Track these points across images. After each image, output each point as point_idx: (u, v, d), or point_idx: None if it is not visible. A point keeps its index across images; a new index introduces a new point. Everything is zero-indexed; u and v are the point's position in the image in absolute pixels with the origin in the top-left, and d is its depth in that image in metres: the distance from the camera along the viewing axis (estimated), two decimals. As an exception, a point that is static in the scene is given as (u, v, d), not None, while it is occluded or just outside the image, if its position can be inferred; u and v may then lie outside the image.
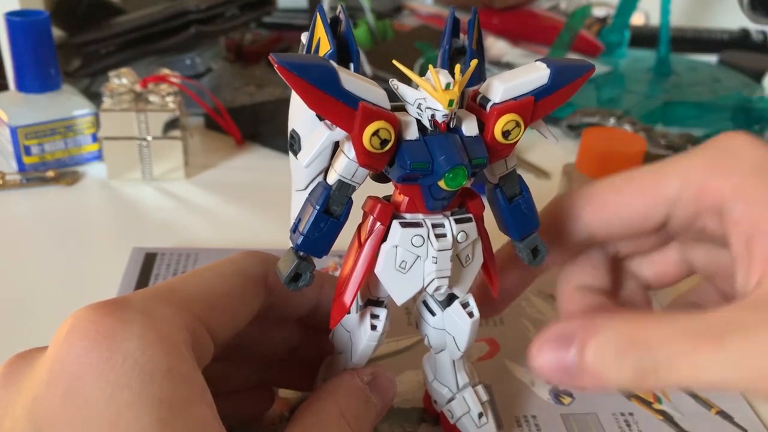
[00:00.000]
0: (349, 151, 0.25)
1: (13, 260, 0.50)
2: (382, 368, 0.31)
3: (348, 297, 0.27)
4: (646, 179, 0.29)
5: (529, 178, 0.65)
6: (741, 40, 0.98)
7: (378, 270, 0.27)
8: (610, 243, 0.32)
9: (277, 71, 0.23)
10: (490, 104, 0.26)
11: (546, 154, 0.67)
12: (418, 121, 0.25)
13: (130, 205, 0.58)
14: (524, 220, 0.28)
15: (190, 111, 0.66)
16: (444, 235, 0.26)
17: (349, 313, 0.29)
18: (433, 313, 0.30)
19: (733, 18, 0.86)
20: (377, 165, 0.25)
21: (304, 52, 0.28)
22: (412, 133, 0.25)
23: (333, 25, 0.27)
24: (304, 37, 0.29)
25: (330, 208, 0.26)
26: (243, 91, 0.78)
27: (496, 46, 0.82)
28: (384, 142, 0.24)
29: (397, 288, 0.27)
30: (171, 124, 0.59)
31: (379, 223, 0.27)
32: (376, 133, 0.24)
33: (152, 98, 0.58)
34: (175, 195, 0.59)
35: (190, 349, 0.24)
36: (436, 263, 0.26)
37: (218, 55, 0.80)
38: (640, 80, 0.84)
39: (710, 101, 0.77)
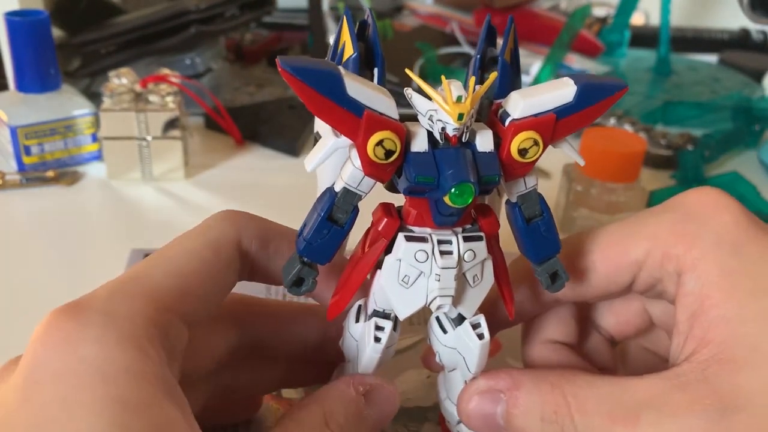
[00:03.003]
0: (355, 159, 0.24)
1: (12, 260, 0.50)
2: (385, 379, 0.29)
3: (343, 301, 0.27)
4: (614, 246, 0.29)
5: (529, 178, 0.65)
6: (741, 40, 0.98)
7: (382, 282, 0.26)
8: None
9: (281, 75, 0.22)
10: (508, 119, 0.25)
11: (546, 154, 0.67)
12: (430, 133, 0.24)
13: (129, 205, 0.58)
14: (543, 243, 0.27)
15: (190, 111, 0.66)
16: (450, 253, 0.25)
17: (357, 321, 0.28)
18: (444, 330, 0.29)
19: (733, 18, 0.86)
20: (382, 176, 0.24)
21: (330, 55, 0.28)
22: (420, 145, 0.24)
23: (360, 29, 0.26)
24: (331, 40, 0.29)
25: (334, 215, 0.25)
26: (243, 91, 0.78)
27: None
28: (389, 153, 0.23)
29: (400, 302, 0.26)
30: (171, 124, 0.59)
31: (381, 236, 0.26)
32: (380, 143, 0.23)
33: (152, 98, 0.58)
34: (175, 195, 0.59)
35: (157, 345, 0.23)
36: (439, 281, 0.25)
37: (218, 55, 0.80)
38: (640, 80, 0.83)
39: (710, 101, 0.77)
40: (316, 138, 0.28)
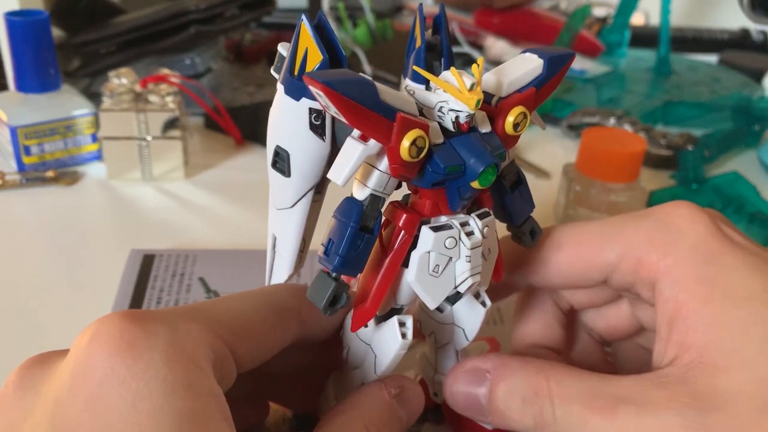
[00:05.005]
0: (380, 164, 0.25)
1: (12, 261, 0.50)
2: (409, 380, 0.30)
3: (373, 305, 0.27)
4: (589, 245, 0.30)
5: (529, 178, 0.64)
6: (741, 40, 0.98)
7: (411, 278, 0.27)
8: (558, 294, 0.33)
9: (318, 89, 0.22)
10: (495, 99, 0.26)
11: (546, 154, 0.67)
12: (439, 125, 0.25)
13: (129, 205, 0.58)
14: (525, 206, 0.29)
15: (189, 111, 0.66)
16: (472, 233, 0.27)
17: (366, 326, 0.28)
18: (441, 310, 0.30)
19: (733, 18, 0.86)
20: (410, 174, 0.25)
21: (287, 64, 0.27)
22: (437, 138, 0.25)
23: (318, 33, 0.26)
24: (282, 48, 0.28)
25: (364, 223, 0.25)
26: (243, 91, 0.78)
27: (496, 46, 0.82)
28: (420, 151, 0.24)
29: (431, 292, 0.27)
30: (171, 124, 0.59)
31: (404, 233, 0.26)
32: (414, 142, 0.24)
33: (152, 98, 0.58)
34: (175, 195, 0.59)
35: (212, 367, 0.24)
36: (470, 261, 0.26)
37: (218, 55, 0.80)
38: (640, 80, 0.83)
39: (710, 101, 0.77)
40: (278, 152, 0.28)
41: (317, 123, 0.27)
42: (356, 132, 0.24)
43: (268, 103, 0.29)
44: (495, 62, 0.80)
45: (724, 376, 0.24)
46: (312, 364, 0.33)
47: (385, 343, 0.28)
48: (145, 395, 0.21)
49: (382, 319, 0.29)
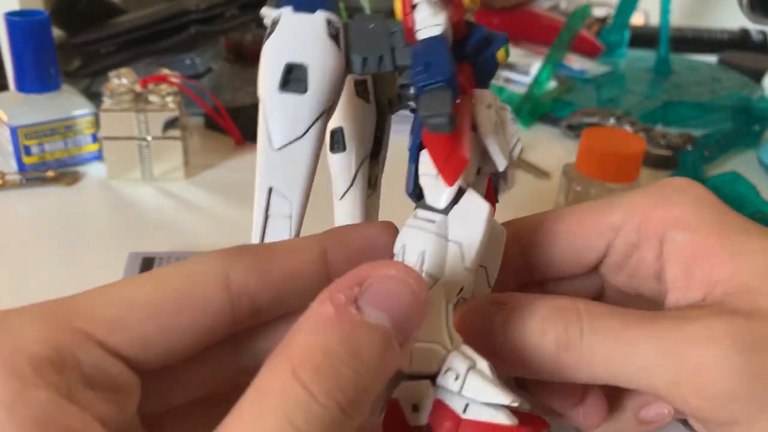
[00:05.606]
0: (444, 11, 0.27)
1: (12, 261, 0.50)
2: (383, 263, 0.21)
3: (461, 151, 0.25)
4: (590, 211, 0.29)
5: (529, 178, 0.65)
6: (741, 40, 0.98)
7: (485, 131, 0.27)
8: (548, 281, 0.31)
9: None
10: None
11: (546, 154, 0.67)
12: None
13: (129, 205, 0.58)
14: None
15: (190, 111, 0.66)
16: None
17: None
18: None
19: (733, 18, 0.86)
20: (462, 27, 0.27)
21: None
22: None
23: None
24: (268, 12, 0.28)
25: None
26: (243, 91, 0.78)
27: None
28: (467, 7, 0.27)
29: (500, 149, 0.27)
30: (170, 124, 0.59)
31: (465, 92, 0.27)
32: None
33: (152, 98, 0.58)
34: (175, 195, 0.59)
35: (48, 368, 0.20)
36: (515, 123, 0.28)
37: (218, 55, 0.80)
38: (640, 80, 0.84)
39: (710, 101, 0.77)
40: (290, 69, 0.28)
41: (334, 34, 0.28)
42: None
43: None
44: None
45: (762, 297, 0.24)
46: None
47: (470, 216, 0.25)
48: None
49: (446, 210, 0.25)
